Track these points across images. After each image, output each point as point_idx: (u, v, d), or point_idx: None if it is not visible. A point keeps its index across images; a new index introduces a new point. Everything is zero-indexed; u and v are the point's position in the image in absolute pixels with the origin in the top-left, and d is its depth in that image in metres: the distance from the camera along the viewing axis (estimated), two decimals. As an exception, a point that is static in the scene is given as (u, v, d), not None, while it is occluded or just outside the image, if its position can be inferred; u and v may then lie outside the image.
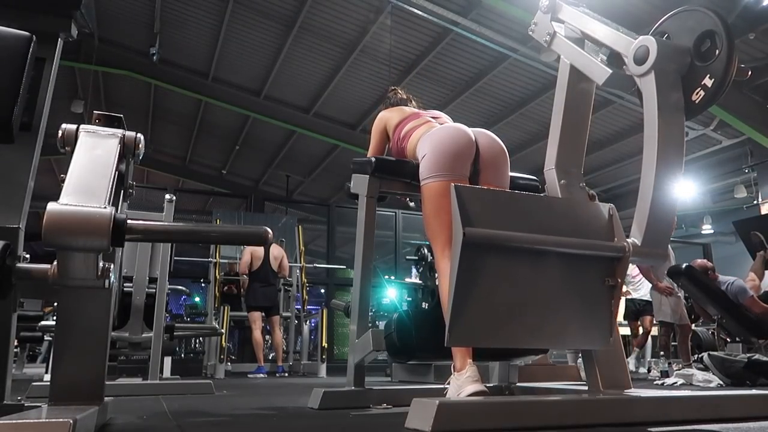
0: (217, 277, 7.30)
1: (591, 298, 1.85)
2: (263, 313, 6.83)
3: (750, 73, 2.02)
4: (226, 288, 7.88)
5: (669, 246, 1.99)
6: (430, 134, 2.26)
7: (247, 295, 6.93)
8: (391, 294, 6.51)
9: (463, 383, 1.87)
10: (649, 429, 1.64)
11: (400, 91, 2.79)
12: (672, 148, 1.91)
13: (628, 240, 1.88)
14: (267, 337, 8.06)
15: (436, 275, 2.38)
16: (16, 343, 4.50)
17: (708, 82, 1.86)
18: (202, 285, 9.64)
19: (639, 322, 6.96)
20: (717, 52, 1.85)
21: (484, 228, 1.66)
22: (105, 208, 1.25)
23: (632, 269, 6.71)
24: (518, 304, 1.76)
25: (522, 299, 1.77)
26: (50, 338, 5.38)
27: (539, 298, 1.79)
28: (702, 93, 1.88)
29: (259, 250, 6.81)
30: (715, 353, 4.45)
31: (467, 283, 1.65)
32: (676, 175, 1.92)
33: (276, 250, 7.05)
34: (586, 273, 1.85)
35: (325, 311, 7.34)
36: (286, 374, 6.87)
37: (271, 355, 8.15)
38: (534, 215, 1.82)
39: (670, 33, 2.03)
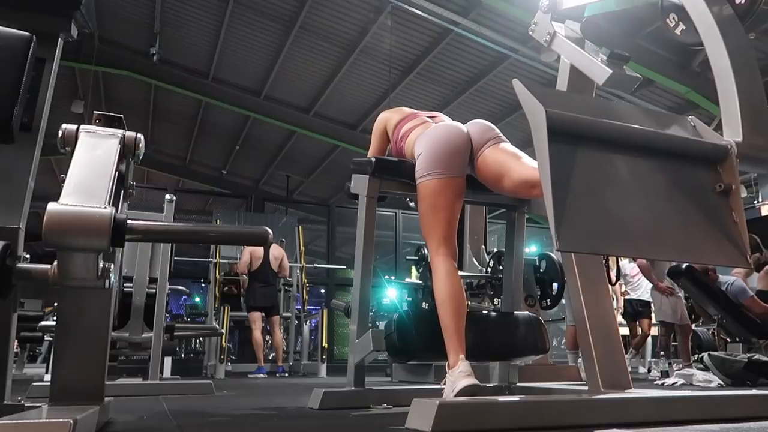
0: (218, 277, 7.30)
1: (707, 206, 1.63)
2: (263, 314, 6.83)
3: None
4: (226, 288, 7.87)
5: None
6: (425, 133, 2.27)
7: (247, 296, 6.92)
8: (391, 294, 6.50)
9: (456, 378, 1.88)
10: (649, 429, 1.63)
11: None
12: (736, 32, 1.73)
13: (727, 138, 1.68)
14: (267, 337, 8.06)
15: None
16: (16, 344, 4.50)
17: None
18: (203, 285, 9.63)
19: (637, 323, 6.94)
20: None
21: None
22: (105, 208, 1.25)
23: (632, 269, 6.70)
24: (628, 208, 1.53)
25: (630, 204, 1.53)
26: (50, 338, 5.38)
27: (649, 203, 1.56)
28: None
29: (259, 250, 6.79)
30: (716, 353, 4.45)
31: (563, 180, 1.45)
32: (750, 56, 1.72)
33: (276, 251, 7.04)
34: (692, 177, 1.64)
35: (325, 311, 7.34)
36: (286, 374, 6.87)
37: (271, 355, 8.14)
38: (619, 117, 1.62)
39: None
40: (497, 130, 2.26)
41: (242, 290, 7.42)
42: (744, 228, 1.64)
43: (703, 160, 1.68)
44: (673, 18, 1.98)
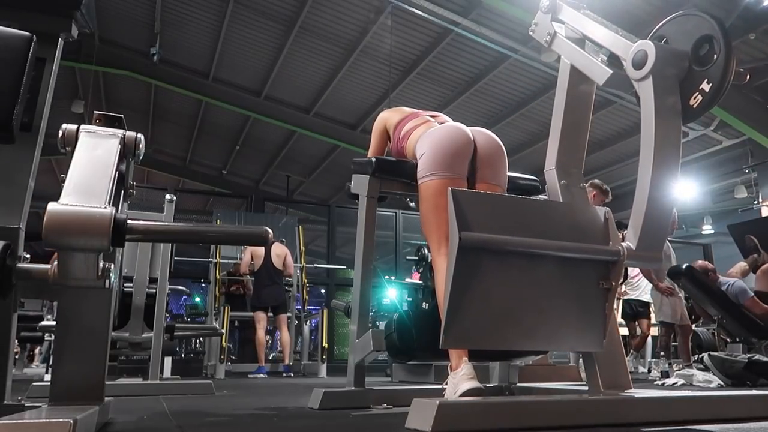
0: (218, 277, 7.30)
1: (586, 300, 1.87)
2: (270, 313, 6.84)
3: (749, 77, 2.03)
4: (233, 288, 7.90)
5: (670, 246, 2.01)
6: (428, 133, 2.26)
7: (253, 296, 6.95)
8: (392, 294, 6.50)
9: (459, 381, 1.88)
10: (649, 429, 1.63)
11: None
12: (668, 152, 1.91)
13: (623, 244, 1.89)
14: (267, 337, 8.07)
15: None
16: (16, 344, 4.50)
17: (706, 86, 1.86)
18: (203, 285, 9.63)
19: (636, 324, 6.92)
20: (715, 56, 1.84)
21: (481, 232, 1.67)
22: (105, 208, 1.25)
23: (631, 269, 6.69)
24: (513, 306, 1.77)
25: (517, 302, 1.78)
26: (50, 338, 5.39)
27: (534, 300, 1.80)
28: (700, 97, 1.88)
29: (259, 250, 6.78)
30: (716, 353, 4.45)
31: (463, 286, 1.66)
32: (672, 179, 1.92)
33: (279, 249, 7.03)
34: (582, 276, 1.86)
35: (325, 311, 7.34)
36: (292, 374, 6.87)
37: (271, 355, 8.15)
38: (530, 219, 1.84)
39: (668, 37, 2.03)
40: (505, 157, 2.28)
41: (246, 290, 7.45)
42: (610, 319, 1.90)
43: (597, 261, 1.88)
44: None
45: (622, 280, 6.67)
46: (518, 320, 1.79)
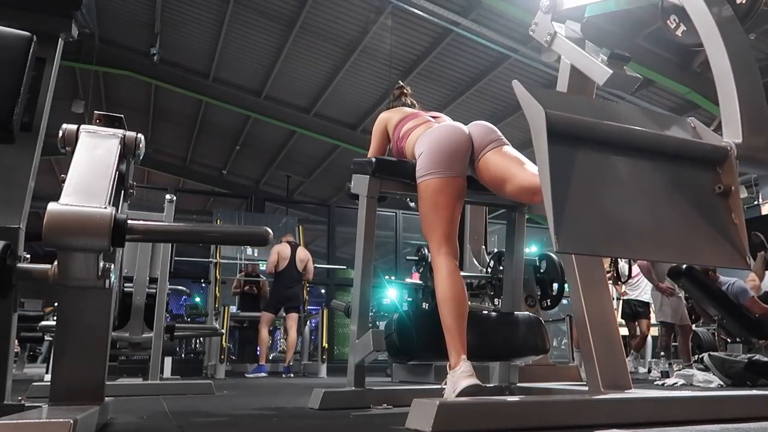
0: (218, 277, 7.30)
1: (706, 207, 1.64)
2: (282, 312, 6.89)
3: None
4: (246, 288, 7.92)
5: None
6: (426, 133, 2.27)
7: (273, 295, 7.03)
8: (392, 294, 6.51)
9: (457, 379, 1.88)
10: (649, 429, 1.63)
11: (406, 90, 2.79)
12: (736, 33, 1.73)
13: (726, 140, 1.69)
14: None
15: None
16: (16, 343, 4.50)
17: None
18: (203, 285, 9.63)
19: (636, 324, 6.92)
20: None
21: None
22: (105, 208, 1.25)
23: (635, 268, 6.69)
24: (627, 210, 1.54)
25: (630, 205, 1.55)
26: (51, 338, 5.39)
27: (648, 204, 1.57)
28: None
29: (286, 251, 6.88)
30: (716, 354, 4.45)
31: (563, 181, 1.46)
32: (750, 57, 1.73)
33: (303, 253, 7.12)
34: (692, 179, 1.65)
35: (325, 311, 7.34)
36: (292, 375, 6.87)
37: (271, 355, 8.15)
38: (619, 118, 1.63)
39: None
40: (499, 133, 2.26)
41: (263, 291, 7.48)
42: (743, 229, 1.65)
43: (703, 162, 1.68)
44: (674, 19, 1.98)
45: (624, 279, 6.67)
46: (638, 226, 1.55)
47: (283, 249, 6.92)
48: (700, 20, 1.75)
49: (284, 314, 6.96)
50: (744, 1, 1.77)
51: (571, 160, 1.48)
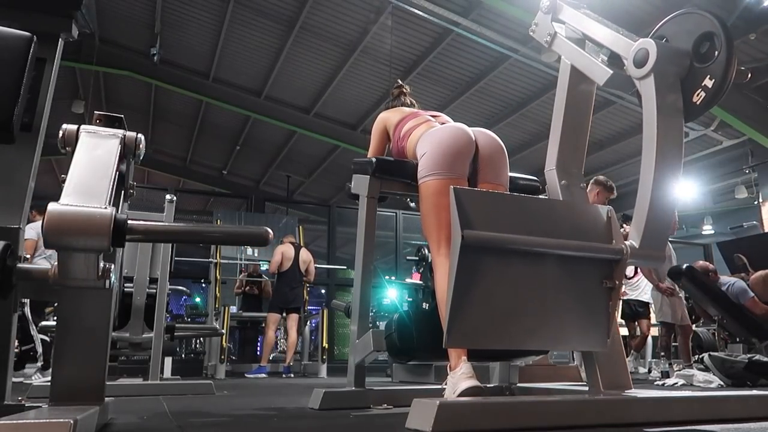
0: (218, 277, 7.30)
1: (589, 300, 1.86)
2: (285, 314, 6.89)
3: (750, 75, 2.02)
4: (247, 288, 7.93)
5: (671, 247, 2.00)
6: (429, 133, 2.26)
7: (276, 296, 7.02)
8: (392, 294, 6.50)
9: (457, 380, 1.88)
10: (649, 429, 1.63)
11: (405, 90, 2.78)
12: (670, 150, 1.91)
13: (626, 242, 1.89)
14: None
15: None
16: (16, 343, 4.50)
17: (708, 82, 1.87)
18: (203, 285, 9.63)
19: (636, 324, 6.91)
20: (716, 53, 1.85)
21: (483, 230, 1.67)
22: (106, 208, 1.25)
23: (630, 270, 6.68)
24: (516, 305, 1.77)
25: (520, 301, 1.77)
26: (51, 338, 5.39)
27: (537, 299, 1.80)
28: (703, 94, 1.89)
29: (290, 252, 6.91)
30: (716, 354, 4.45)
31: (465, 285, 1.66)
32: (674, 177, 1.92)
33: (305, 254, 7.14)
34: (585, 275, 1.86)
35: (325, 311, 7.34)
36: (292, 375, 6.87)
37: (272, 355, 8.15)
38: (533, 217, 1.83)
39: (668, 36, 2.03)
40: (506, 158, 2.28)
41: (265, 292, 7.47)
42: (615, 317, 1.91)
43: (600, 260, 1.88)
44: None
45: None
46: (521, 319, 1.79)
47: (287, 249, 6.95)
48: (646, 128, 1.92)
49: (284, 315, 6.96)
50: (699, 101, 1.90)
51: (477, 269, 1.69)
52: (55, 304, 3.51)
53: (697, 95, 1.90)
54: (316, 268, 7.49)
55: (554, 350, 3.52)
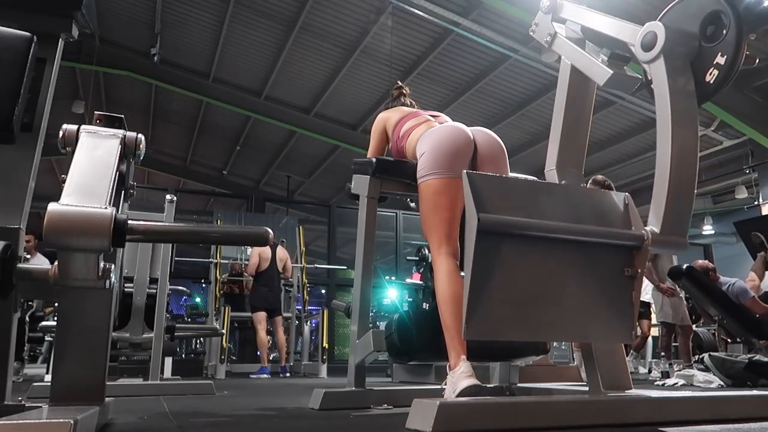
0: (218, 277, 7.31)
1: (611, 289, 1.79)
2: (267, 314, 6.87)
3: (758, 60, 1.98)
4: (226, 288, 7.91)
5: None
6: (429, 133, 2.26)
7: (252, 296, 6.97)
8: (392, 294, 6.51)
9: (457, 379, 1.87)
10: (649, 429, 1.63)
11: (405, 91, 2.78)
12: (686, 131, 1.85)
13: (646, 228, 1.83)
14: (267, 337, 8.10)
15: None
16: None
17: (720, 59, 1.82)
18: (203, 285, 9.63)
19: (636, 324, 6.91)
20: (725, 31, 1.81)
21: (499, 215, 1.62)
22: (106, 208, 1.25)
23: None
24: (536, 295, 1.71)
25: (540, 290, 1.71)
26: (51, 338, 5.39)
27: (557, 289, 1.74)
28: (716, 72, 1.84)
29: (266, 252, 6.89)
30: (716, 354, 4.45)
31: (483, 273, 1.61)
32: (691, 159, 1.86)
33: (281, 252, 7.15)
34: (605, 263, 1.79)
35: (325, 312, 7.35)
36: (289, 374, 6.87)
37: (272, 356, 8.15)
38: (549, 202, 1.78)
39: (673, 23, 1.99)
40: (505, 156, 2.27)
41: (245, 290, 7.47)
42: (637, 307, 1.85)
43: (620, 247, 1.82)
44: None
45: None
46: (541, 309, 1.72)
47: (263, 250, 6.89)
48: (660, 111, 1.87)
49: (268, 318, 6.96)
50: (713, 79, 1.85)
51: (494, 255, 1.64)
52: (55, 304, 3.51)
53: (710, 74, 1.85)
54: (316, 268, 7.51)
55: (578, 341, 3.36)
